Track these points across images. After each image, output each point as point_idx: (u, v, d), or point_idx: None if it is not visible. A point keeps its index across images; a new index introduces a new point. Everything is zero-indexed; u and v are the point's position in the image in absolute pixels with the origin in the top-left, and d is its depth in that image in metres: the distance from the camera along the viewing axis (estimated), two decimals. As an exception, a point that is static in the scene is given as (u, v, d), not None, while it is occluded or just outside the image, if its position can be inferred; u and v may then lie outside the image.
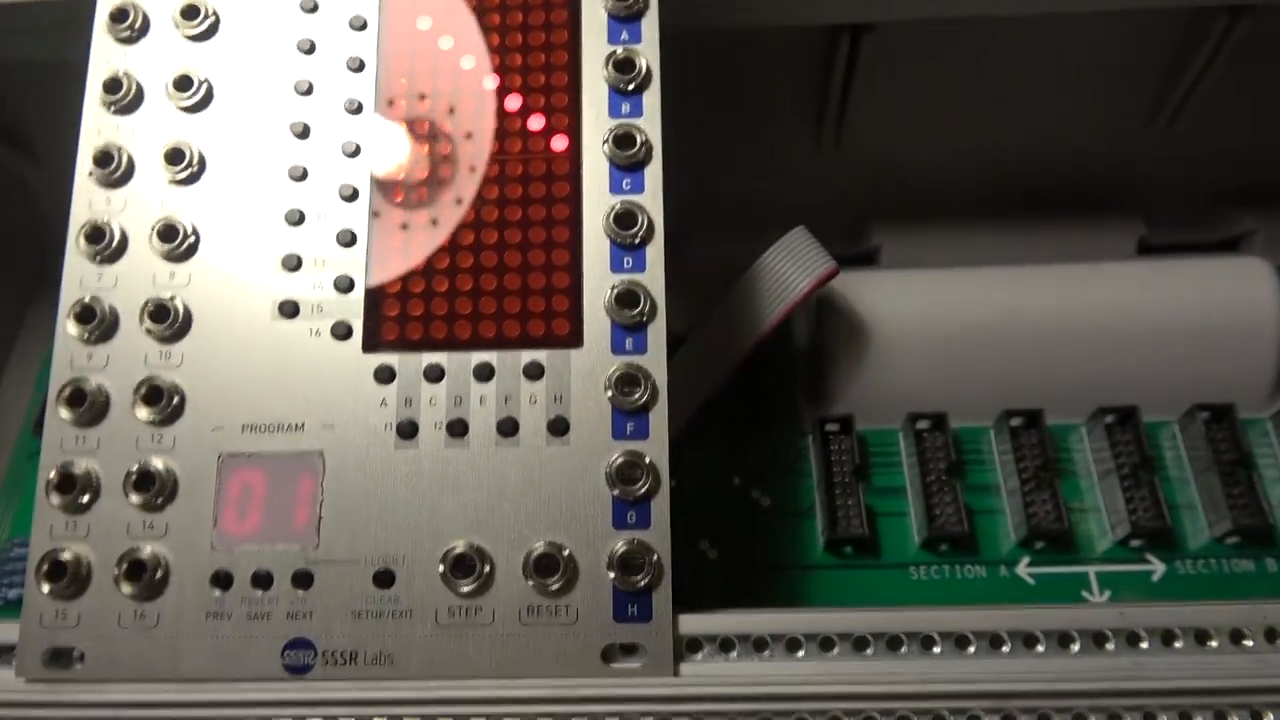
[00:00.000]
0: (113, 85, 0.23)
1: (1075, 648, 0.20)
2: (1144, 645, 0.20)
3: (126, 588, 0.21)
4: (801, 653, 0.20)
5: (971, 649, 0.20)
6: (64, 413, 0.22)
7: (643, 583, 0.20)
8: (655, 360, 0.21)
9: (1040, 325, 0.30)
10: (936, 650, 0.20)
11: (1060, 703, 0.19)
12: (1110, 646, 0.20)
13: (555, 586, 0.20)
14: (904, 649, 0.20)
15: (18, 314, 0.37)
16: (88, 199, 0.23)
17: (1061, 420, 0.29)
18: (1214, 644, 0.20)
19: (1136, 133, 0.34)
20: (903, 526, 0.30)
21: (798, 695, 0.19)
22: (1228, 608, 0.20)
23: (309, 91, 0.24)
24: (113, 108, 0.23)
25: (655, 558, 0.20)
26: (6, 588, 0.30)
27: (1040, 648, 0.20)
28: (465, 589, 0.20)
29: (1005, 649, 0.20)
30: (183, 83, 0.23)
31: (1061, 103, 0.34)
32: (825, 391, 0.31)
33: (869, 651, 0.20)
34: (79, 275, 0.22)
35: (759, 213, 0.33)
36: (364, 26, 0.24)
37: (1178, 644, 0.20)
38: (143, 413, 0.21)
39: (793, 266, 0.28)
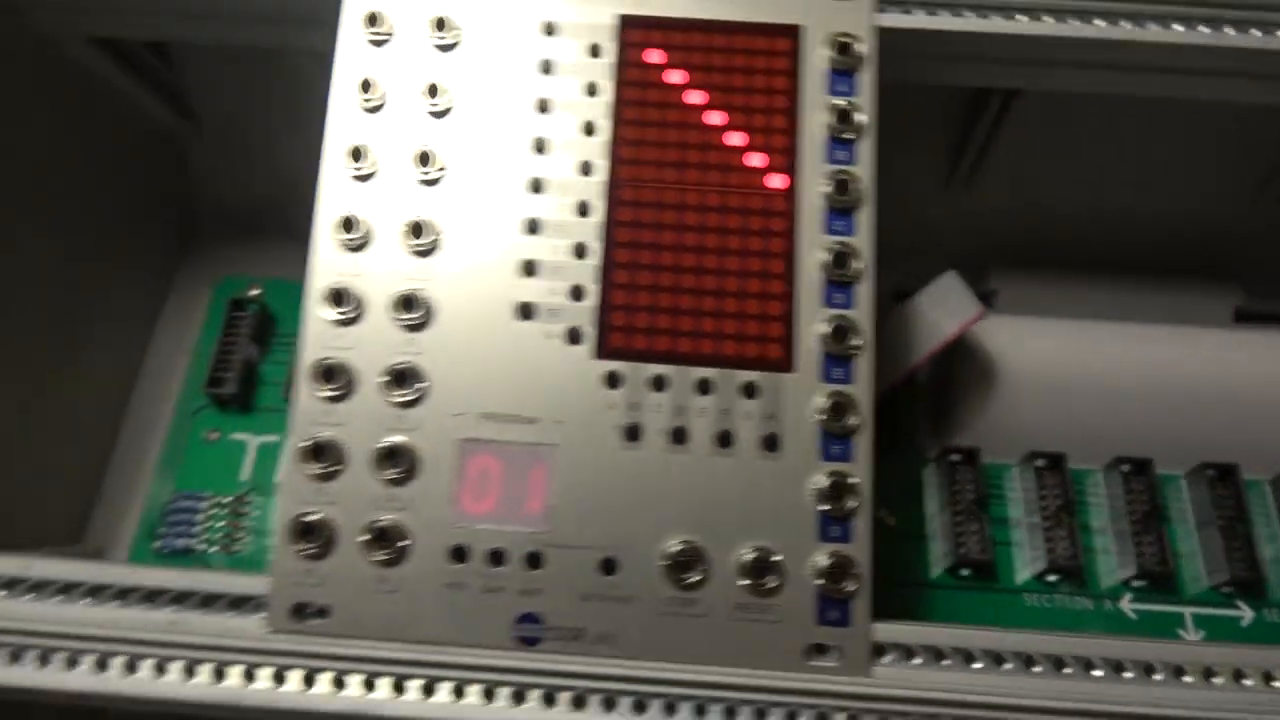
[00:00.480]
0: (365, 86, 0.25)
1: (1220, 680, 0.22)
2: None
3: (371, 553, 0.22)
4: (977, 665, 0.22)
5: (1128, 674, 0.22)
6: (315, 388, 0.23)
7: (847, 590, 0.22)
8: (864, 390, 0.23)
9: (1152, 381, 0.33)
10: (1097, 674, 0.22)
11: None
12: None
13: (765, 588, 0.22)
14: (1066, 669, 0.22)
15: (169, 272, 0.39)
16: (337, 190, 0.25)
17: (1166, 470, 0.32)
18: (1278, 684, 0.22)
19: (1242, 208, 0.37)
20: (1010, 555, 0.32)
21: (975, 704, 0.22)
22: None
23: (545, 109, 0.25)
24: (364, 107, 0.25)
25: (858, 569, 0.22)
26: (173, 538, 0.32)
27: (1188, 679, 0.22)
28: (683, 582, 0.22)
29: (1157, 676, 0.22)
30: (431, 89, 0.25)
31: (1176, 176, 0.36)
32: (948, 423, 0.34)
33: (1037, 669, 0.22)
34: (329, 262, 0.24)
35: (884, 246, 0.35)
36: (597, 53, 0.26)
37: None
38: (389, 394, 0.23)
39: (943, 308, 0.30)
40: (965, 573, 0.31)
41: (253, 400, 0.34)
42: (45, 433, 0.32)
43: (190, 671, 0.23)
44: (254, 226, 0.39)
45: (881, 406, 0.33)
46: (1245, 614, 0.30)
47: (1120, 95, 0.32)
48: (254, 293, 0.36)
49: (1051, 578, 0.31)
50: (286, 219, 0.38)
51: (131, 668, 0.23)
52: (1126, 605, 0.31)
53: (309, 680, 0.22)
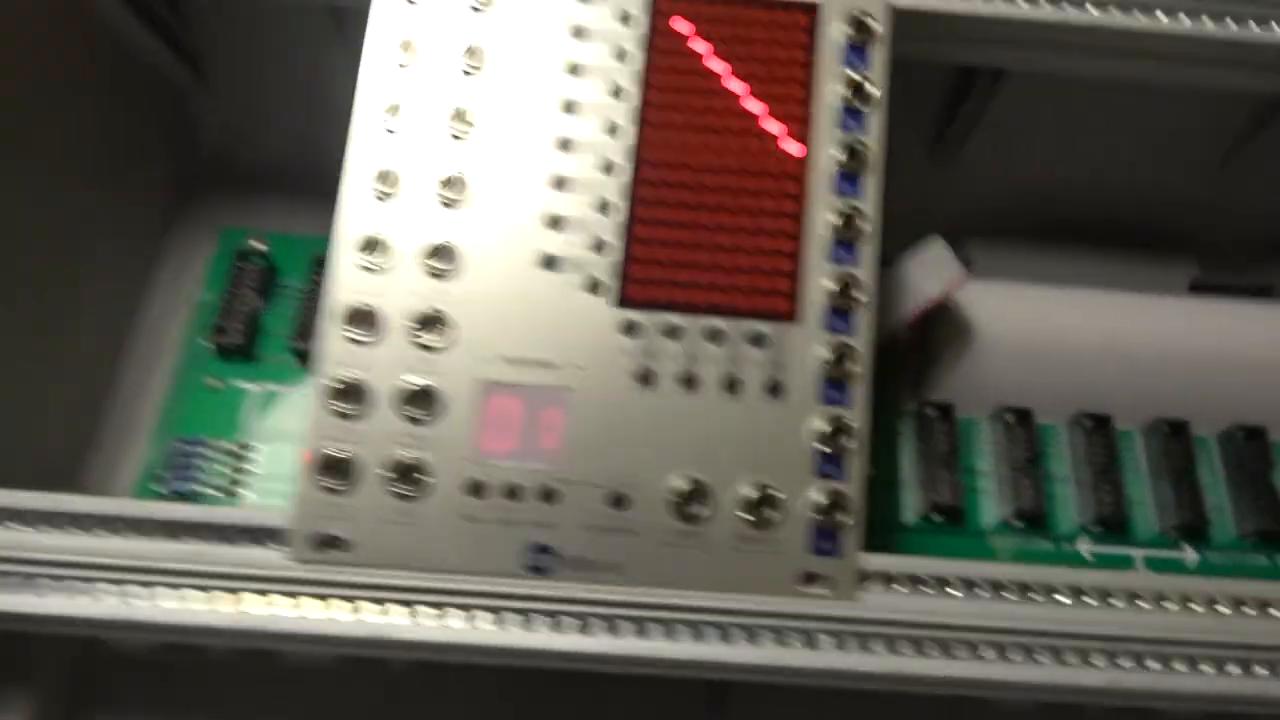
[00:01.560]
0: (401, 45, 0.26)
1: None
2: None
3: (393, 488, 0.24)
4: (953, 592, 0.24)
5: (1088, 600, 0.25)
6: (343, 331, 0.24)
7: (838, 523, 0.24)
8: (863, 340, 0.25)
9: (1112, 344, 0.35)
10: (1061, 599, 0.25)
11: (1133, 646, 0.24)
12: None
13: (764, 520, 0.24)
14: (1032, 595, 0.25)
15: (167, 223, 0.39)
16: (369, 144, 0.26)
17: (1124, 426, 0.35)
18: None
19: (1201, 186, 0.39)
20: (977, 502, 0.35)
21: (950, 625, 0.24)
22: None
23: (575, 72, 0.26)
24: (398, 64, 0.26)
25: (850, 504, 0.24)
26: (178, 481, 0.32)
27: (1142, 605, 0.25)
28: (688, 516, 0.24)
29: (1114, 602, 0.25)
30: (467, 50, 0.26)
31: (1142, 153, 0.39)
32: (924, 380, 0.36)
33: (1007, 596, 0.25)
34: (359, 209, 0.25)
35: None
36: (627, 21, 0.27)
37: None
38: (415, 337, 0.24)
39: (928, 273, 0.32)
40: (938, 518, 0.34)
41: (255, 350, 0.35)
42: (41, 375, 0.32)
43: (210, 599, 0.24)
44: (254, 182, 0.39)
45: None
46: (1190, 556, 0.33)
47: (1101, 78, 0.34)
48: (258, 246, 0.36)
49: (1017, 523, 0.34)
50: (288, 175, 0.39)
51: (153, 596, 0.24)
52: (1084, 547, 0.33)
53: (326, 606, 0.24)
